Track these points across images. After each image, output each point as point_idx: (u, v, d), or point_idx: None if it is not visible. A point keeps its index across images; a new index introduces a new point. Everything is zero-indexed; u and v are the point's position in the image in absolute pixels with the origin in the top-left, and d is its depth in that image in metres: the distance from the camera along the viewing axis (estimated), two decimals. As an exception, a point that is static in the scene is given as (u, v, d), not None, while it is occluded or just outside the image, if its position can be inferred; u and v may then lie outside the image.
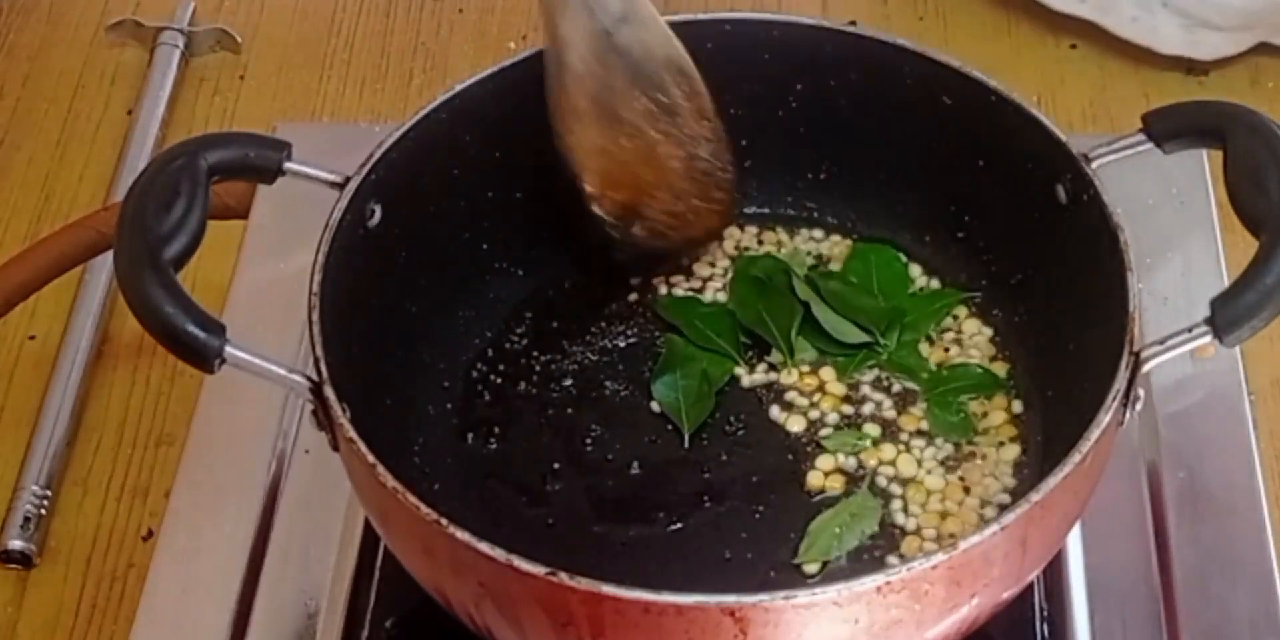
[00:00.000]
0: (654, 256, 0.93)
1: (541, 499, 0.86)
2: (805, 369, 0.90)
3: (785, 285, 0.92)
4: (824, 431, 0.88)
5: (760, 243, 0.96)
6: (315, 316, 0.77)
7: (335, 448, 0.78)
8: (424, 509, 0.71)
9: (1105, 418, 0.73)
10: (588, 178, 0.88)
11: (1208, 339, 0.74)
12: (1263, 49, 1.22)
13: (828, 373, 0.90)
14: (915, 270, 0.94)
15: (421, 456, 0.87)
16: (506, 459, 0.88)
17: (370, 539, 0.89)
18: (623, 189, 0.89)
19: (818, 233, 0.96)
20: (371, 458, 0.73)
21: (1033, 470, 0.86)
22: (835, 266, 0.94)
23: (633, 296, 0.95)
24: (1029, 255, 0.88)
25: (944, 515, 0.85)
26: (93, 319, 1.11)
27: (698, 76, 0.88)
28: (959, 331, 0.92)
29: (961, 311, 0.92)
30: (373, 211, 0.83)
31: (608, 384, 0.91)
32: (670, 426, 0.89)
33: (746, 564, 0.83)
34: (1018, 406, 0.88)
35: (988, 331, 0.91)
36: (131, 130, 1.23)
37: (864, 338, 0.90)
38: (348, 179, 0.82)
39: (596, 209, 0.89)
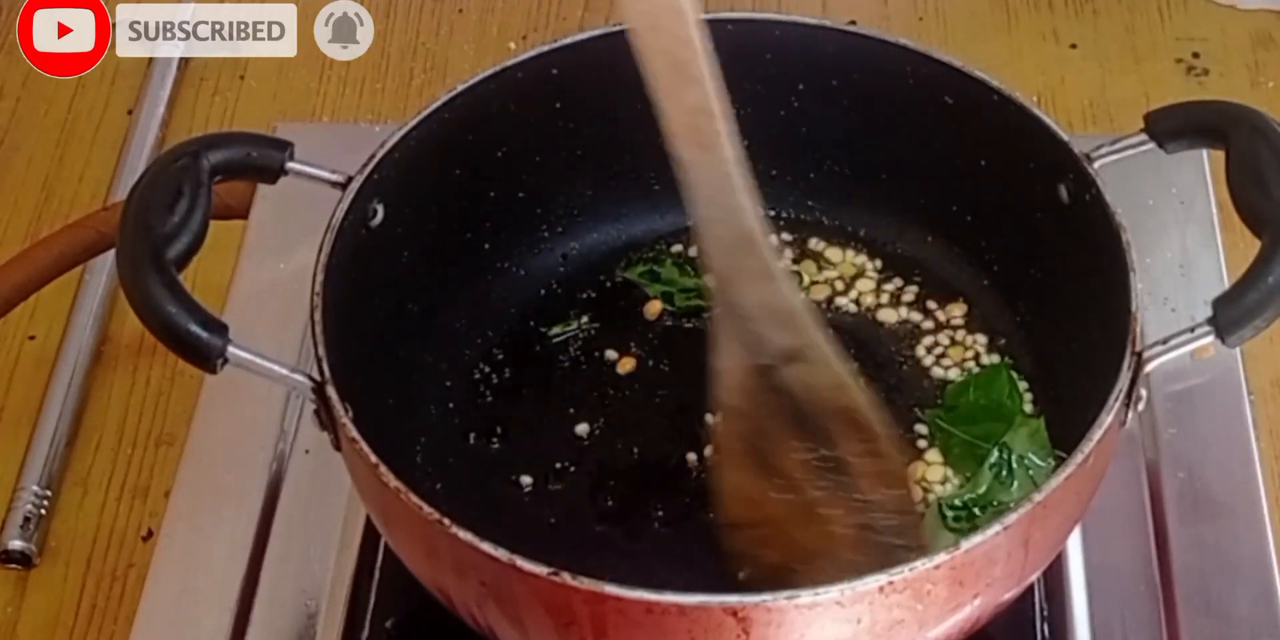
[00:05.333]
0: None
1: (544, 498, 0.86)
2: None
3: None
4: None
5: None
6: (318, 316, 0.77)
7: (338, 448, 0.78)
8: (426, 509, 0.71)
9: (1108, 418, 0.73)
10: (730, 526, 0.79)
11: (1210, 339, 0.74)
12: (1262, 47, 1.22)
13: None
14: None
15: (424, 456, 0.87)
16: (509, 458, 0.88)
17: (370, 539, 0.89)
18: (774, 548, 0.78)
19: (818, 238, 0.96)
20: (374, 457, 0.73)
21: (1034, 470, 0.86)
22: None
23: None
24: (1030, 255, 0.88)
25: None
26: (93, 319, 1.11)
27: (881, 434, 0.77)
28: (961, 330, 0.92)
29: (962, 311, 0.93)
30: (375, 211, 0.83)
31: (610, 384, 0.91)
32: (672, 426, 0.89)
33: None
34: (1019, 407, 0.89)
35: (989, 332, 0.92)
36: (131, 130, 1.23)
37: None
38: (350, 179, 0.82)
39: (738, 562, 0.78)
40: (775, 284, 0.76)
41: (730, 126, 0.74)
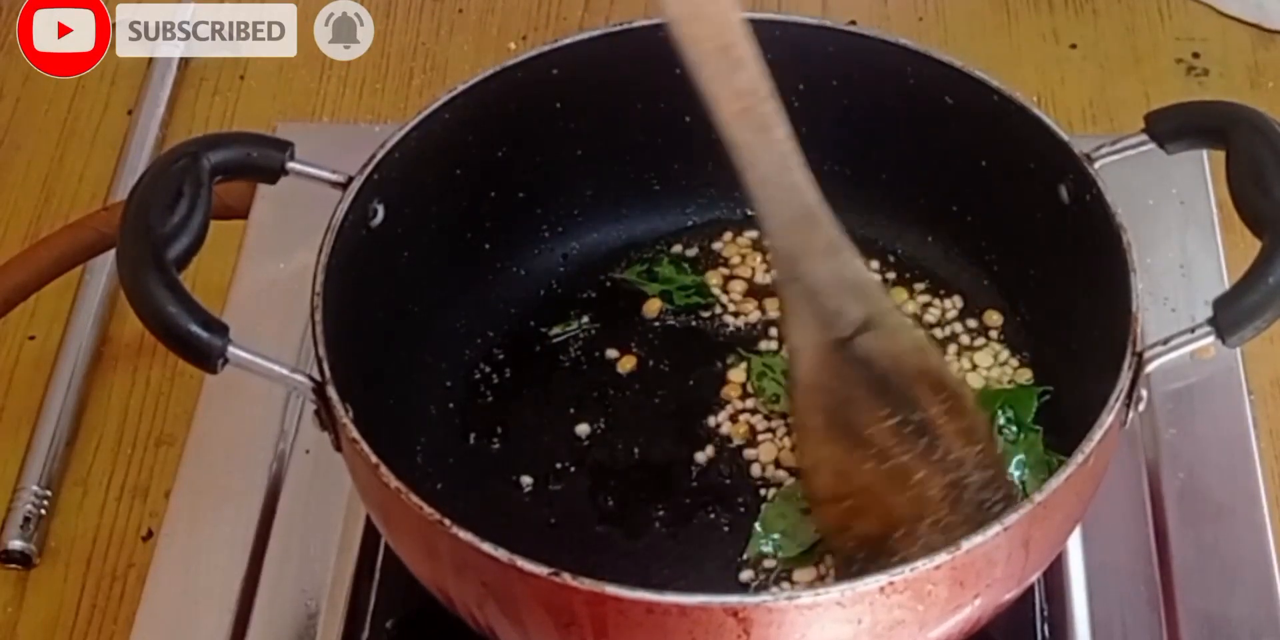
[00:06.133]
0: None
1: (544, 499, 0.87)
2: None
3: None
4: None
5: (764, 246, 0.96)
6: (318, 316, 0.77)
7: (338, 448, 0.78)
8: (427, 509, 0.71)
9: (1108, 418, 0.73)
10: (825, 506, 0.79)
11: (1210, 339, 0.74)
12: (1262, 47, 1.22)
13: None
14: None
15: (424, 456, 0.88)
16: (509, 459, 0.88)
17: (370, 539, 0.89)
18: (868, 519, 0.78)
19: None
20: (374, 458, 0.73)
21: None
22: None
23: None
24: (1031, 255, 0.89)
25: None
26: (93, 319, 1.11)
27: (962, 391, 0.79)
28: (960, 330, 0.92)
29: (962, 311, 0.93)
30: (375, 211, 0.83)
31: (610, 384, 0.91)
32: (673, 426, 0.89)
33: (750, 564, 0.83)
34: (1020, 407, 0.89)
35: (990, 332, 0.92)
36: (131, 130, 1.23)
37: None
38: (350, 179, 0.82)
39: (831, 539, 0.80)
40: (842, 256, 0.77)
41: (778, 105, 0.75)
